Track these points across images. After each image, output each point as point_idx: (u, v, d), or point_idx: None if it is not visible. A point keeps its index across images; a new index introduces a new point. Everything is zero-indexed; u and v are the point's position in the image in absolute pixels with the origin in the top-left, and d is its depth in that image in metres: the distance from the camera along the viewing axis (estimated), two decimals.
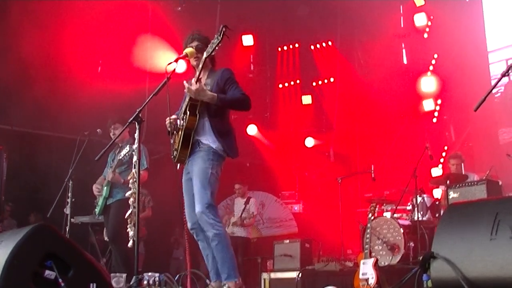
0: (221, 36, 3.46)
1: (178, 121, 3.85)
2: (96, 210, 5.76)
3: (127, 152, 5.54)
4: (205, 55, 3.62)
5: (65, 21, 7.80)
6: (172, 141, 3.94)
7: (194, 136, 3.75)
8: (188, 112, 3.69)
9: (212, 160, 3.72)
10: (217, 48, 3.53)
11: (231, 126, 3.92)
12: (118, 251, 5.47)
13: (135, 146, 3.65)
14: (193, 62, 3.87)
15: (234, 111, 4.17)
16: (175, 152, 3.85)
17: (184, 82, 3.69)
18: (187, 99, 3.72)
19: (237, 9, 9.80)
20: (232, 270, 3.63)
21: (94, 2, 8.06)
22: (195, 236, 3.88)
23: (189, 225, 3.83)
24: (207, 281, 3.78)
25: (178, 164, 3.90)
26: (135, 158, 3.63)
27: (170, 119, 3.85)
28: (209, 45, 3.59)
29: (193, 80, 3.66)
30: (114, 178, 5.56)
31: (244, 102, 3.78)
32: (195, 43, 3.86)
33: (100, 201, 5.66)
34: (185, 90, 3.69)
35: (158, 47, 8.91)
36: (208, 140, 3.75)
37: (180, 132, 3.78)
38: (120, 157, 5.53)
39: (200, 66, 3.66)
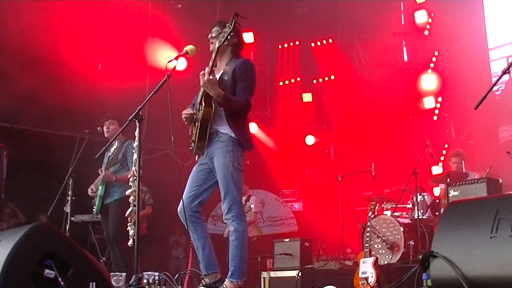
0: (232, 25, 3.43)
1: (195, 112, 3.79)
2: (94, 210, 5.76)
3: (115, 149, 5.55)
4: (217, 44, 3.58)
5: (65, 19, 7.79)
6: (190, 132, 3.90)
7: (212, 126, 3.69)
8: (203, 103, 3.63)
9: (232, 151, 3.65)
10: (229, 37, 3.50)
11: (246, 117, 3.84)
12: (120, 252, 5.44)
13: (135, 144, 3.64)
14: (211, 47, 3.79)
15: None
16: (192, 144, 3.81)
17: (201, 72, 3.62)
18: (202, 89, 3.67)
19: (238, 6, 9.75)
20: (237, 270, 3.59)
21: (94, 1, 8.06)
22: (185, 226, 3.75)
23: (178, 209, 3.74)
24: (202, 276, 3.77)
25: (197, 156, 3.87)
26: (135, 156, 3.63)
27: (186, 113, 3.78)
28: (221, 34, 3.56)
29: (207, 70, 3.59)
30: (105, 175, 5.53)
31: (242, 109, 3.71)
32: (214, 28, 3.82)
33: (96, 201, 5.64)
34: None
35: (158, 45, 8.91)
36: (226, 129, 3.68)
37: (197, 124, 3.72)
38: (109, 154, 5.54)
39: (213, 56, 3.61)
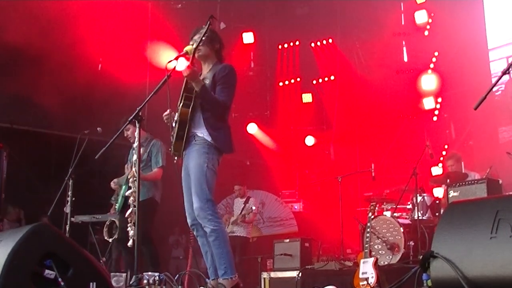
0: (207, 26, 3.51)
1: (176, 114, 3.85)
2: (116, 206, 5.71)
3: (148, 150, 5.57)
4: (194, 45, 3.65)
5: (65, 19, 7.78)
6: (171, 133, 3.94)
7: (191, 129, 3.76)
8: (181, 104, 3.71)
9: (208, 153, 3.71)
10: (203, 38, 3.59)
11: (225, 121, 3.89)
12: (146, 252, 5.36)
13: (135, 144, 3.65)
14: (196, 53, 3.84)
15: (233, 109, 4.16)
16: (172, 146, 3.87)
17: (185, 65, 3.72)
18: (181, 93, 3.73)
19: (238, 6, 9.80)
20: (228, 266, 3.64)
21: (94, 1, 8.06)
22: (195, 232, 3.87)
23: (189, 221, 3.83)
24: (206, 279, 3.78)
25: (176, 158, 3.90)
26: (135, 157, 3.63)
27: (169, 112, 3.84)
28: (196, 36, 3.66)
29: (189, 63, 3.68)
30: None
31: (218, 107, 3.76)
32: (197, 36, 3.84)
33: (119, 199, 5.61)
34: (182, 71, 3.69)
35: (158, 45, 8.91)
36: (203, 133, 3.75)
37: (175, 125, 3.79)
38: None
39: (191, 56, 3.66)
